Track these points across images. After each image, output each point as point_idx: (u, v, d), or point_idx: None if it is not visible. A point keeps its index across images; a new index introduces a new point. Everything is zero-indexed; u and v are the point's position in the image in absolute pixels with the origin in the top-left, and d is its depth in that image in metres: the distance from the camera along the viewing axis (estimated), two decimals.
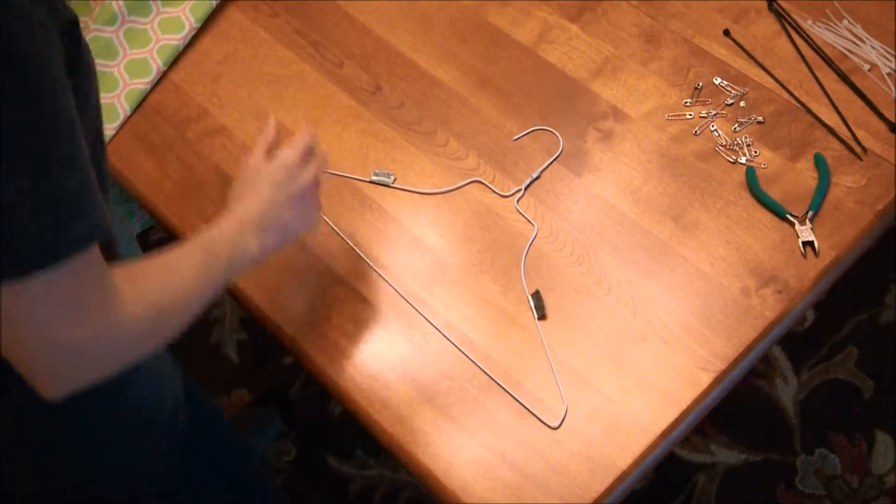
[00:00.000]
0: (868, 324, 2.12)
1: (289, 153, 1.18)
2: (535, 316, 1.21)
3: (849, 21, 1.41)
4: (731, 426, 2.04)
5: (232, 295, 1.32)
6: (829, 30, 1.41)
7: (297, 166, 1.18)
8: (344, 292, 1.28)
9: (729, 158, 1.32)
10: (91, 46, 1.14)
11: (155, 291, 0.99)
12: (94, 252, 0.88)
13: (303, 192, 1.17)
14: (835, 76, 1.37)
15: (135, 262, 1.00)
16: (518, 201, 1.32)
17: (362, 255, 1.30)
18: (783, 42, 1.42)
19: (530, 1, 1.51)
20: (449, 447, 1.16)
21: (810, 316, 2.14)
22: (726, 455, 2.02)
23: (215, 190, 1.39)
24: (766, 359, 2.09)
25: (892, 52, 1.38)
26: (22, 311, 0.85)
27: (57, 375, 0.92)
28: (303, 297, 1.28)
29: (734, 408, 2.03)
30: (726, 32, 1.43)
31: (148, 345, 0.99)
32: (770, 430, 2.04)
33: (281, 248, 1.14)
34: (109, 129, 1.46)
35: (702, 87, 1.38)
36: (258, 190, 1.16)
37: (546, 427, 1.15)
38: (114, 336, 0.93)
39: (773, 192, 1.28)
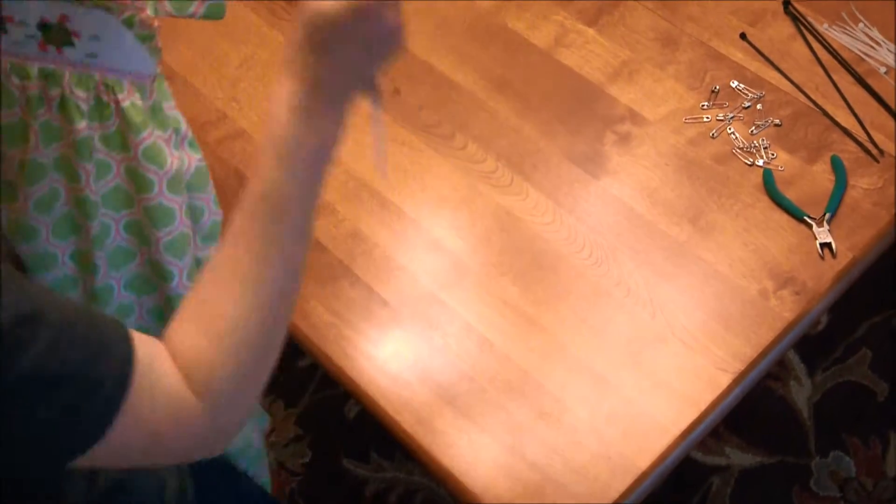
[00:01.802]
0: (882, 326, 2.13)
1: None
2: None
3: (865, 24, 1.42)
4: (746, 428, 2.05)
5: None
6: (845, 33, 1.42)
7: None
8: (363, 294, 1.29)
9: (746, 161, 1.33)
10: None
11: (225, 339, 0.89)
12: (136, 387, 0.83)
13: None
14: (851, 79, 1.38)
15: (183, 310, 0.92)
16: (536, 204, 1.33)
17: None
18: (799, 45, 1.43)
19: (547, 4, 1.52)
20: (469, 448, 1.17)
21: (824, 318, 2.15)
22: (741, 457, 2.03)
23: (235, 193, 1.39)
24: (779, 361, 2.10)
25: None
26: (124, 453, 0.85)
27: (208, 452, 0.93)
28: (322, 299, 1.29)
29: (748, 410, 2.04)
30: (743, 36, 1.44)
31: (255, 381, 0.93)
32: (784, 433, 2.05)
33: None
34: None
35: (719, 90, 1.39)
36: (347, 53, 0.91)
37: (566, 428, 1.16)
38: (215, 419, 0.89)
39: (791, 195, 1.29)
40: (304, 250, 0.96)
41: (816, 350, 2.12)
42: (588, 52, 1.46)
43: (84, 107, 1.10)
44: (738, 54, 1.43)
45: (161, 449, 0.88)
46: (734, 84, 1.40)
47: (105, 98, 1.10)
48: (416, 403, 1.20)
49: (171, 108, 1.15)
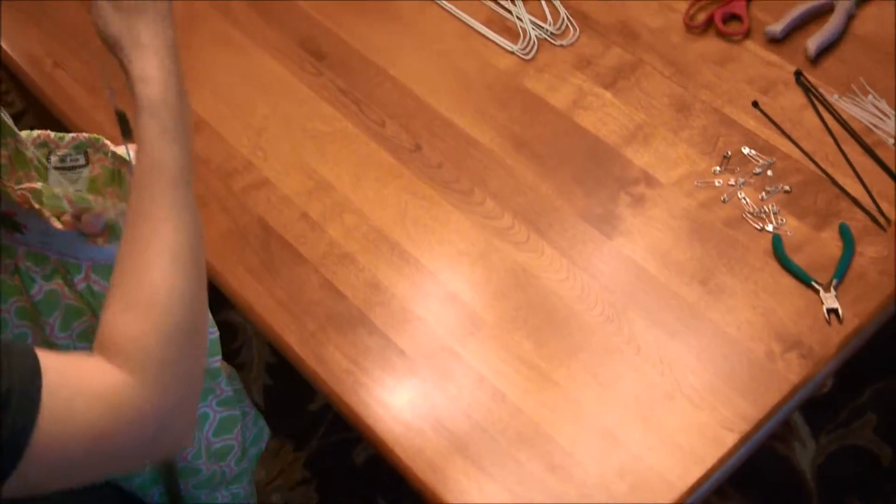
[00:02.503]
0: (887, 391, 2.15)
1: None
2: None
3: (874, 96, 1.46)
4: (749, 488, 2.07)
5: (271, 343, 1.37)
6: (854, 104, 1.46)
7: None
8: (381, 343, 1.32)
9: (756, 226, 1.36)
10: None
11: (144, 307, 0.92)
12: (50, 397, 0.83)
13: None
14: (860, 149, 1.42)
15: (106, 298, 0.95)
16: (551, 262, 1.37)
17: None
18: (810, 115, 1.47)
19: (566, 67, 1.57)
20: (480, 496, 1.19)
21: (829, 381, 2.17)
22: None
23: (259, 240, 1.43)
24: (784, 422, 2.12)
25: None
26: (67, 466, 0.85)
27: (166, 436, 0.93)
28: (340, 346, 1.32)
29: (752, 470, 2.05)
30: (755, 104, 1.48)
31: (186, 346, 0.94)
32: (788, 494, 2.07)
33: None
34: None
35: (730, 155, 1.43)
36: (155, 17, 1.06)
37: (575, 481, 1.19)
38: (154, 393, 0.90)
39: (799, 260, 1.32)
40: (193, 208, 1.02)
41: (821, 413, 2.14)
42: (605, 115, 1.50)
43: (38, 276, 1.19)
44: (751, 122, 1.47)
45: (112, 448, 0.87)
46: (746, 150, 1.44)
47: (63, 276, 1.19)
48: (429, 451, 1.23)
49: None
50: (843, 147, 1.42)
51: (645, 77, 1.54)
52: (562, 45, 1.60)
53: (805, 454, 2.10)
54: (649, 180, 1.43)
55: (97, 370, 0.89)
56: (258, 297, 1.38)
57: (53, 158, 1.27)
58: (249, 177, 1.51)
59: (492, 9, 1.66)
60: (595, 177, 1.44)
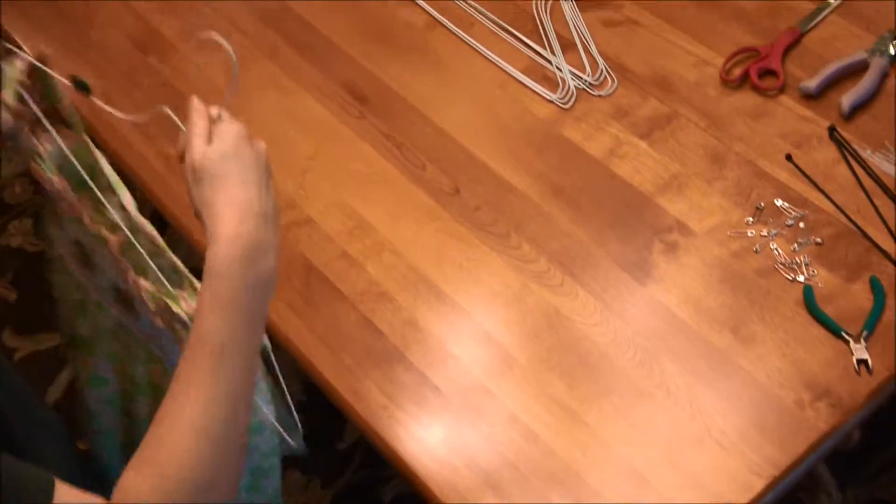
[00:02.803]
0: None
1: (231, 123, 1.10)
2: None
3: None
4: None
5: (304, 379, 1.40)
6: (886, 160, 1.49)
7: (246, 134, 1.10)
8: (416, 379, 1.35)
9: (788, 276, 1.39)
10: None
11: (163, 482, 0.94)
12: None
13: (267, 158, 1.11)
14: (891, 203, 1.44)
15: (134, 457, 0.96)
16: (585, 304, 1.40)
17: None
18: (843, 169, 1.50)
19: (603, 116, 1.60)
20: None
21: (857, 435, 2.18)
22: None
23: (299, 277, 1.47)
24: (810, 474, 2.13)
25: None
26: None
27: None
28: (377, 381, 1.35)
29: None
30: (788, 157, 1.51)
31: None
32: None
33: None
34: None
35: (763, 207, 1.46)
36: (233, 182, 1.05)
37: None
38: None
39: (830, 311, 1.34)
40: (246, 391, 1.03)
41: (849, 466, 2.15)
42: (640, 164, 1.54)
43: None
44: (784, 174, 1.50)
45: None
46: (779, 202, 1.47)
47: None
48: (461, 487, 1.26)
49: None
50: (875, 201, 1.45)
51: (680, 128, 1.58)
52: (600, 96, 1.63)
53: None
54: (683, 229, 1.45)
55: None
56: (297, 331, 1.41)
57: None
58: (292, 215, 1.54)
59: (532, 59, 1.70)
60: (629, 224, 1.47)
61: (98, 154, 1.27)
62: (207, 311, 1.00)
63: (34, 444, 1.28)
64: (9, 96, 1.16)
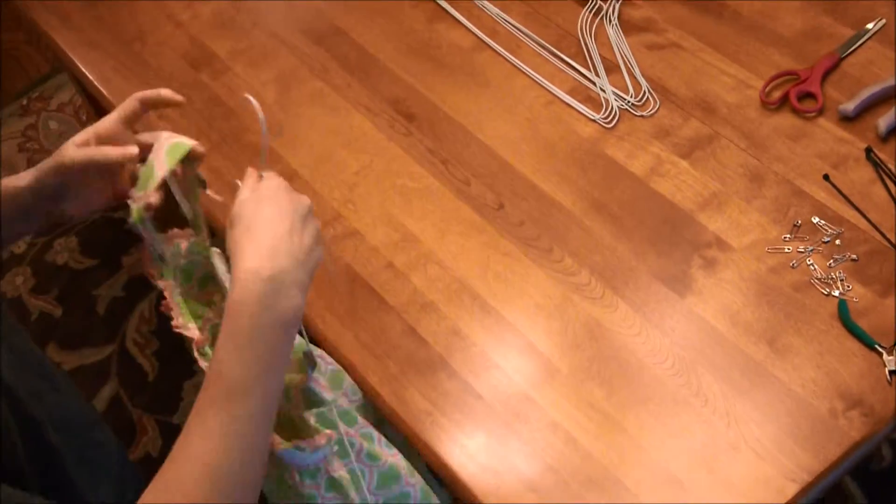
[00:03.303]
0: None
1: (273, 177, 1.12)
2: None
3: None
4: None
5: (357, 386, 1.44)
6: None
7: (287, 186, 1.12)
8: (459, 387, 1.39)
9: (823, 291, 1.42)
10: None
11: None
12: None
13: (309, 208, 1.12)
14: None
15: (147, 491, 0.95)
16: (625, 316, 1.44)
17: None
18: (879, 189, 1.53)
19: (645, 136, 1.64)
20: None
21: (889, 455, 2.20)
22: None
23: (346, 287, 1.52)
24: (843, 494, 2.15)
25: None
26: None
27: None
28: (421, 388, 1.40)
29: None
30: (826, 177, 1.55)
31: None
32: None
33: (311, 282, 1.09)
34: None
35: (800, 224, 1.50)
36: (264, 224, 1.05)
37: None
38: None
39: (863, 324, 1.38)
40: (261, 432, 1.00)
41: (881, 486, 2.17)
42: (681, 182, 1.58)
43: None
44: (821, 193, 1.53)
45: None
46: (815, 220, 1.50)
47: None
48: (502, 491, 1.30)
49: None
50: None
51: (721, 149, 1.61)
52: (642, 116, 1.68)
53: None
54: (721, 245, 1.49)
55: None
56: (343, 340, 1.46)
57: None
58: (340, 227, 1.59)
59: (576, 80, 1.75)
60: (669, 240, 1.51)
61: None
62: (223, 348, 0.99)
63: (85, 471, 1.32)
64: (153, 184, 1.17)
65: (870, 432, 1.29)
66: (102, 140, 1.18)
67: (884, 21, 1.75)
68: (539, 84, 1.75)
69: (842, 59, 1.71)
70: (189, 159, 1.19)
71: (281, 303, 1.01)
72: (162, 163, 1.16)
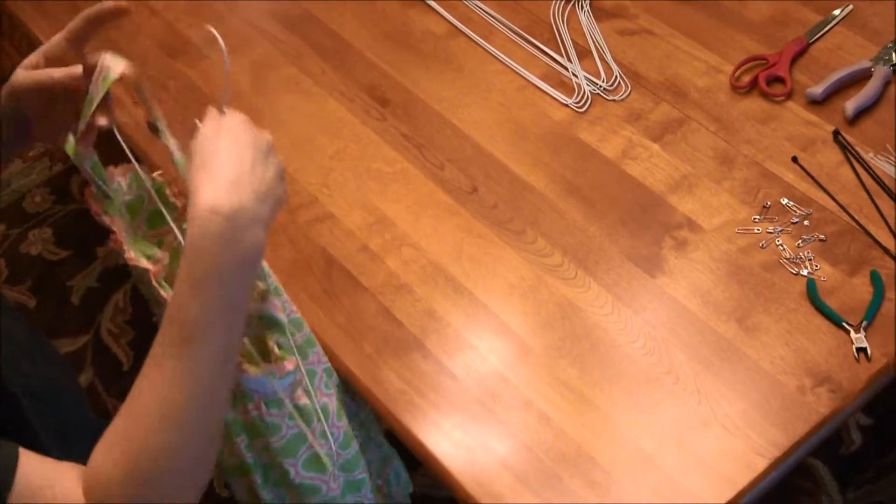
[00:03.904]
0: None
1: (234, 114, 1.07)
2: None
3: None
4: None
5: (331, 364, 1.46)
6: (888, 162, 1.54)
7: (248, 120, 1.06)
8: (434, 367, 1.40)
9: (792, 270, 1.44)
10: None
11: (126, 462, 0.92)
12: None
13: (270, 143, 1.06)
14: (892, 203, 1.50)
15: (104, 433, 0.95)
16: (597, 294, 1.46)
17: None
18: (846, 171, 1.55)
19: (617, 120, 1.66)
20: None
21: (858, 439, 2.23)
22: None
23: (321, 269, 1.53)
24: (812, 477, 2.18)
25: None
26: None
27: None
28: (396, 368, 1.41)
29: None
30: (794, 159, 1.57)
31: (175, 490, 0.94)
32: None
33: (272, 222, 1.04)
34: None
35: (770, 206, 1.52)
36: (222, 158, 0.99)
37: (613, 497, 1.26)
38: None
39: (831, 303, 1.40)
40: (221, 374, 0.98)
41: (850, 469, 2.19)
42: (652, 165, 1.60)
43: None
44: (790, 175, 1.55)
45: None
46: (784, 201, 1.52)
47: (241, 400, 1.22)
48: (476, 468, 1.31)
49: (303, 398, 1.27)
50: (877, 201, 1.50)
51: (691, 132, 1.63)
52: (614, 100, 1.69)
53: None
54: (692, 226, 1.51)
55: (69, 495, 0.92)
56: (319, 321, 1.47)
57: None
58: (315, 211, 1.60)
59: (549, 65, 1.77)
60: (641, 221, 1.53)
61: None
62: (181, 289, 0.94)
63: (59, 443, 1.31)
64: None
65: (837, 408, 1.31)
66: (51, 62, 1.15)
67: (850, 7, 1.77)
68: (512, 69, 1.77)
69: (810, 44, 1.73)
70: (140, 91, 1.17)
71: (241, 240, 0.96)
72: (98, 91, 1.13)
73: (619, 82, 1.72)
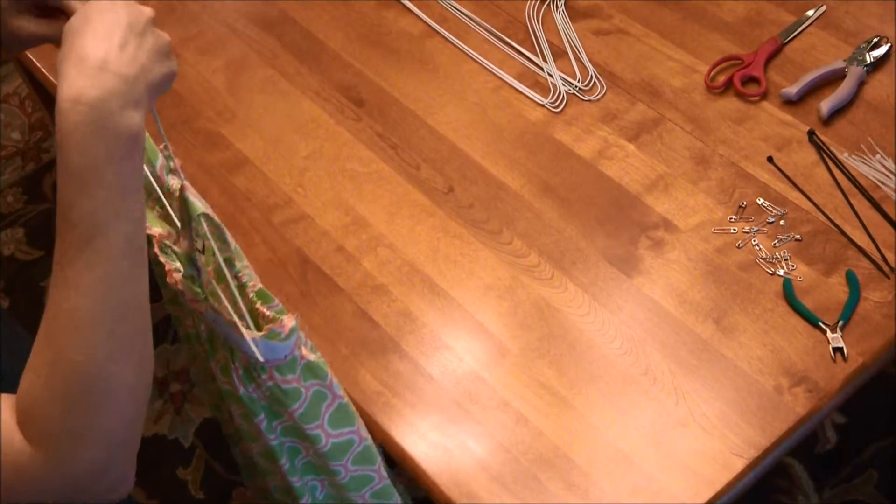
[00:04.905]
0: (889, 449, 2.22)
1: None
2: None
3: (881, 155, 1.55)
4: None
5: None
6: (863, 162, 1.55)
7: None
8: (410, 368, 1.40)
9: (768, 270, 1.45)
10: None
11: (52, 381, 0.87)
12: None
13: (149, 19, 0.95)
14: (867, 203, 1.50)
15: (29, 360, 0.90)
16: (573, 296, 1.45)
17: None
18: (821, 171, 1.56)
19: (592, 120, 1.66)
20: None
21: (833, 438, 2.24)
22: None
23: (297, 270, 1.52)
24: (789, 476, 2.19)
25: None
26: None
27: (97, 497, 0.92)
28: (372, 369, 1.40)
29: None
30: (770, 159, 1.57)
31: (95, 423, 0.89)
32: None
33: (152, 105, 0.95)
34: None
35: (745, 205, 1.52)
36: (88, 37, 0.90)
37: (591, 499, 1.26)
38: (54, 465, 0.88)
39: (808, 303, 1.40)
40: (133, 266, 0.91)
41: (825, 468, 2.21)
42: (628, 165, 1.60)
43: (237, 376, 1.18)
44: (765, 175, 1.56)
45: (16, 499, 0.88)
46: (760, 201, 1.52)
47: (252, 373, 1.18)
48: (453, 468, 1.31)
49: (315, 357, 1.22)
50: (852, 201, 1.51)
51: (667, 132, 1.63)
52: (589, 100, 1.69)
53: None
54: (668, 226, 1.51)
55: (6, 430, 0.88)
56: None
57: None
58: (290, 212, 1.60)
59: (524, 65, 1.76)
60: (617, 221, 1.53)
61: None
62: (64, 189, 0.87)
63: None
64: None
65: (814, 408, 1.31)
66: None
67: (823, 8, 1.78)
68: (488, 70, 1.77)
69: (784, 45, 1.73)
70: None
71: (113, 127, 0.87)
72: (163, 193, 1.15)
73: (595, 82, 1.72)
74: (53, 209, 2.86)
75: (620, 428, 1.32)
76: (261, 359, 1.12)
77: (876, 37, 1.70)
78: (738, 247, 1.47)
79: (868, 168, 1.54)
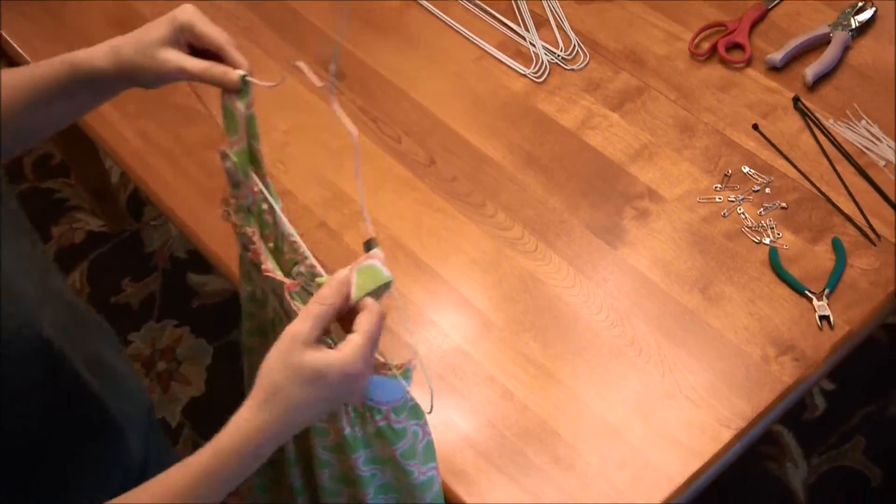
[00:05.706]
0: (876, 415, 2.22)
1: (362, 340, 0.96)
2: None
3: (867, 121, 1.54)
4: None
5: None
6: (848, 128, 1.54)
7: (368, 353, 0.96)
8: (396, 344, 1.38)
9: (754, 239, 1.44)
10: None
11: None
12: None
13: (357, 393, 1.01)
14: (853, 170, 1.49)
15: None
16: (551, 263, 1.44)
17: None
18: (807, 137, 1.55)
19: (576, 90, 1.64)
20: (488, 487, 1.26)
21: (821, 404, 2.24)
22: None
23: None
24: (777, 443, 2.19)
25: None
26: None
27: None
28: None
29: (747, 489, 2.12)
30: (755, 127, 1.56)
31: None
32: None
33: None
34: None
35: (731, 174, 1.51)
36: (316, 403, 0.94)
37: (578, 472, 1.26)
38: None
39: (794, 271, 1.39)
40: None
41: (813, 435, 2.20)
42: (611, 135, 1.58)
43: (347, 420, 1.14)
44: (751, 143, 1.55)
45: None
46: (745, 169, 1.51)
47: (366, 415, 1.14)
48: (439, 445, 1.28)
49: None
50: (837, 168, 1.49)
51: (651, 100, 1.62)
52: (572, 70, 1.68)
53: (797, 474, 2.16)
54: (653, 196, 1.50)
55: None
56: None
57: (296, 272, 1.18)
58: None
59: (506, 35, 1.74)
60: (601, 192, 1.51)
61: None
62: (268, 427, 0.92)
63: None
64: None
65: (801, 377, 1.31)
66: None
67: None
68: (469, 40, 1.75)
69: (768, 10, 1.72)
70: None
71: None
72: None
73: (578, 51, 1.70)
74: (35, 189, 2.84)
75: (607, 400, 1.31)
76: (384, 400, 1.11)
77: (860, 1, 1.68)
78: (724, 216, 1.46)
79: (854, 134, 1.53)
